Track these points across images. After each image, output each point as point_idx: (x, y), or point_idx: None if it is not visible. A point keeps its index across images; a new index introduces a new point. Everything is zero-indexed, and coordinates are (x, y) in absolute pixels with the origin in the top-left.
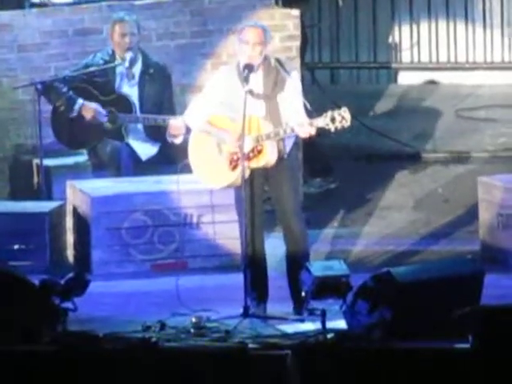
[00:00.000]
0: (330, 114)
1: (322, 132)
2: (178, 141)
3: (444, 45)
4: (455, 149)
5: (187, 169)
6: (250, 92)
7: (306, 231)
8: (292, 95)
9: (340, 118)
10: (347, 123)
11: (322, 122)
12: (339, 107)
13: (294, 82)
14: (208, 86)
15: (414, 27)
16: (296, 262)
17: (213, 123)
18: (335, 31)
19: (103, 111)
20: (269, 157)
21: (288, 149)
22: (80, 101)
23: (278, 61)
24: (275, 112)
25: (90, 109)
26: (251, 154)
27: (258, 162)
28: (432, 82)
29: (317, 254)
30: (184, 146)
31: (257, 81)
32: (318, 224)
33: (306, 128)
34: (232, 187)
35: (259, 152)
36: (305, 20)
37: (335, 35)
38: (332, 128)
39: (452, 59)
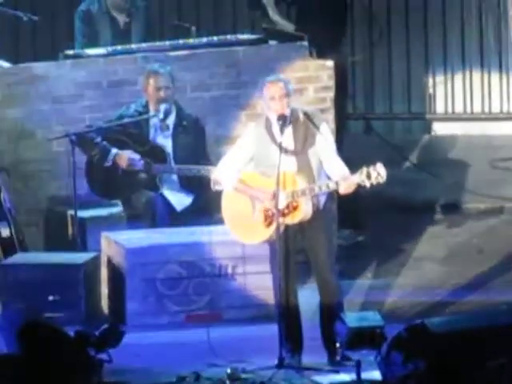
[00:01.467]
0: (365, 170)
1: None
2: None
3: (478, 95)
4: (490, 199)
5: (222, 220)
6: (281, 147)
7: (339, 282)
8: (324, 149)
9: (376, 174)
10: (383, 179)
11: (358, 178)
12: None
13: (324, 135)
14: (238, 143)
15: (448, 78)
16: (330, 312)
17: (245, 182)
18: (369, 81)
19: (137, 158)
20: (304, 213)
21: (322, 202)
22: (114, 150)
23: (305, 114)
24: (307, 167)
25: (124, 157)
26: (286, 211)
27: (294, 218)
28: (467, 133)
29: (350, 304)
30: (219, 197)
31: (287, 136)
32: (352, 275)
33: (345, 185)
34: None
35: (294, 208)
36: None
37: (369, 85)
38: (367, 184)
39: (486, 109)
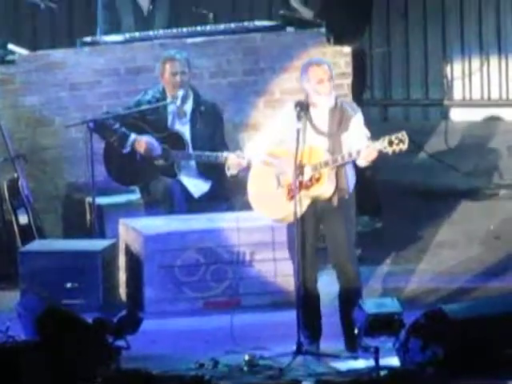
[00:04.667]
0: (387, 137)
1: (374, 168)
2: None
3: (496, 82)
4: (507, 185)
5: (241, 207)
6: (315, 128)
7: (358, 269)
8: (356, 135)
9: (397, 141)
10: (405, 146)
11: (380, 144)
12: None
13: (358, 122)
14: (271, 123)
15: (466, 64)
16: (349, 299)
17: (273, 154)
18: (387, 68)
19: (156, 144)
20: (326, 186)
21: (351, 188)
22: (133, 136)
23: (341, 100)
24: (338, 149)
25: (142, 142)
26: (309, 183)
27: (316, 191)
28: (484, 119)
29: (370, 291)
30: (236, 183)
31: (322, 118)
32: (371, 261)
33: (366, 152)
34: (288, 220)
35: (317, 180)
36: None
37: (387, 72)
38: (390, 151)
39: (503, 96)
